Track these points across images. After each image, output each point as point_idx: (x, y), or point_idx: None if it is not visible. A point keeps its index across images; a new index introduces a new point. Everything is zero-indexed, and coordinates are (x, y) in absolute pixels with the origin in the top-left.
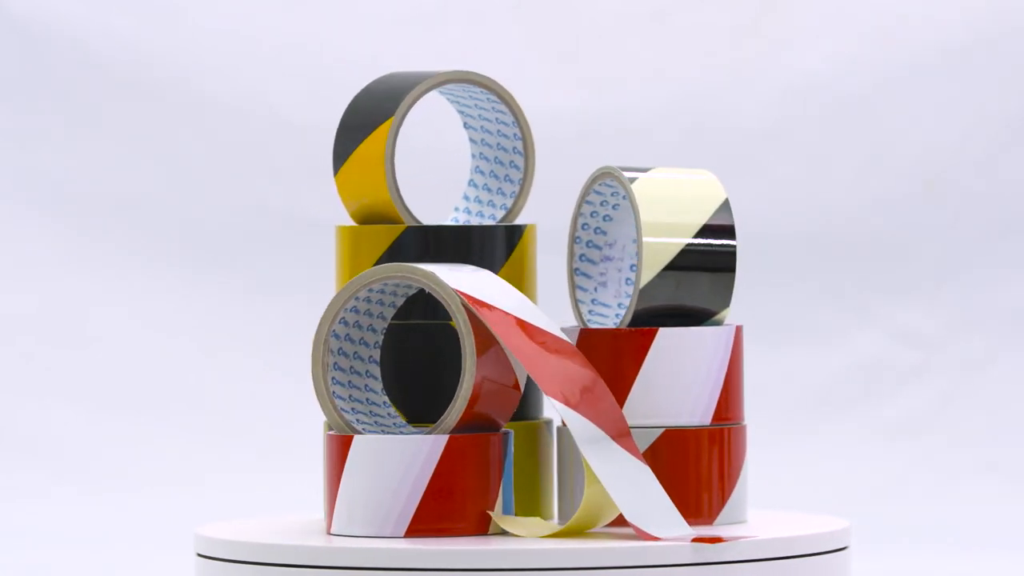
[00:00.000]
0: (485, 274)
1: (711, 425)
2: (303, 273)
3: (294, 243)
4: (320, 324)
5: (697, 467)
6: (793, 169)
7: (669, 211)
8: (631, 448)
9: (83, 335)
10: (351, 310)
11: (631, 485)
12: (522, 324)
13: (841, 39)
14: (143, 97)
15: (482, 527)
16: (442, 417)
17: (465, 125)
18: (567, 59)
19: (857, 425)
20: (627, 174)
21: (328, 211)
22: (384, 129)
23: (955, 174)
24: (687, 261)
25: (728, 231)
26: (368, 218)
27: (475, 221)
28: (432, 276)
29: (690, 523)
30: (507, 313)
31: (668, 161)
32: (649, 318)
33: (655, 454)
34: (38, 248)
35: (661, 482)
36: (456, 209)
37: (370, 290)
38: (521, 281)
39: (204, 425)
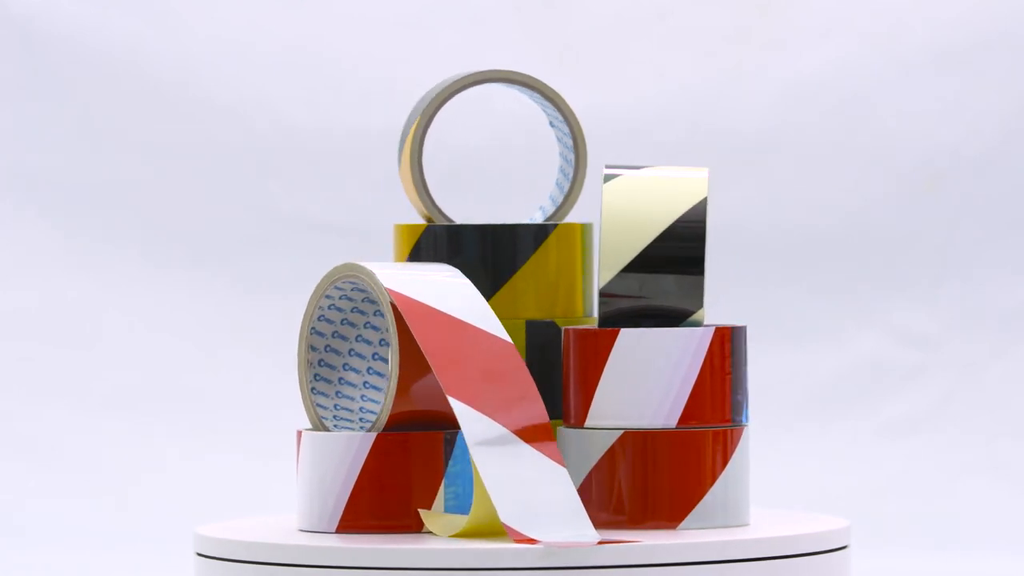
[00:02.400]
0: (444, 273)
1: (676, 428)
2: (304, 273)
3: (296, 243)
4: (302, 324)
5: (657, 470)
6: (793, 169)
7: (637, 211)
8: (547, 450)
9: (83, 335)
10: (331, 308)
11: (524, 487)
12: (450, 323)
13: (841, 39)
14: (143, 97)
15: (420, 524)
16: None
17: (550, 124)
18: (567, 60)
19: (857, 425)
20: (611, 171)
21: (329, 211)
22: (412, 130)
23: (955, 174)
24: (650, 262)
25: (697, 231)
26: (423, 216)
27: (543, 219)
28: (370, 274)
29: (650, 526)
30: (433, 310)
31: (667, 161)
32: (622, 319)
33: (615, 456)
34: (38, 248)
35: (621, 484)
36: (539, 208)
37: (337, 287)
38: (550, 280)
39: (204, 425)
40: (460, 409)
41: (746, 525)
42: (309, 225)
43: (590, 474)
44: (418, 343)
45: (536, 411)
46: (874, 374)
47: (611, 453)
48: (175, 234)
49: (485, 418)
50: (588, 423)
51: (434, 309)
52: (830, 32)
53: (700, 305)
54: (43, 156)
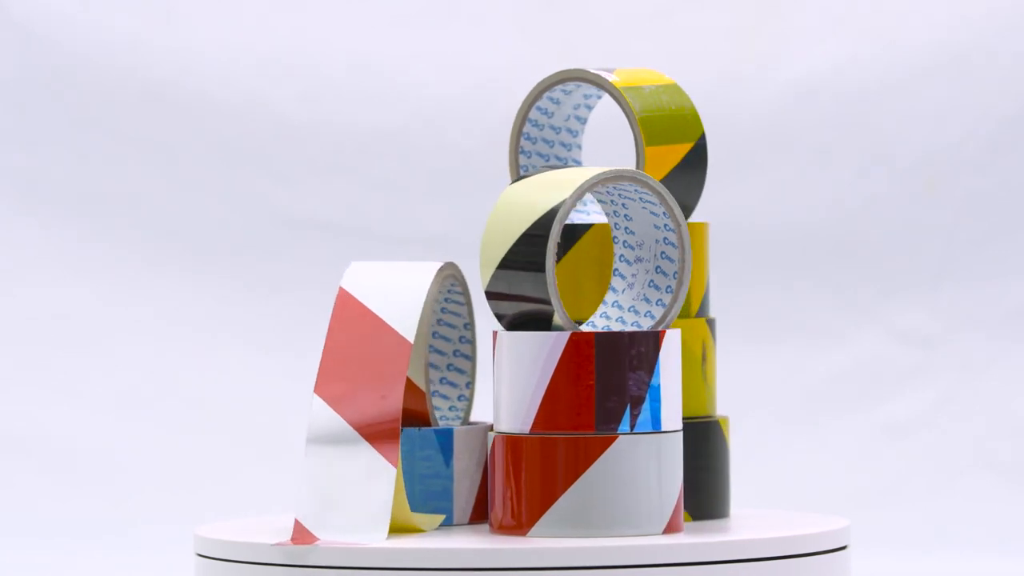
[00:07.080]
0: (413, 268)
1: (530, 434)
2: (304, 273)
3: (296, 243)
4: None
5: (507, 475)
6: (794, 168)
7: (511, 212)
8: (386, 451)
9: (83, 336)
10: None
11: (341, 485)
12: (367, 320)
13: (841, 39)
14: (142, 96)
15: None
16: None
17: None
18: (566, 59)
19: (857, 425)
20: (532, 172)
21: (329, 211)
22: (511, 132)
23: (955, 174)
24: (511, 262)
25: (543, 230)
26: None
27: None
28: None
29: (501, 531)
30: (361, 306)
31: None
32: (520, 321)
33: (489, 460)
34: (38, 248)
35: (498, 488)
36: None
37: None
38: (579, 278)
39: (205, 425)
40: (315, 405)
41: (649, 534)
42: (309, 225)
43: (483, 477)
44: (326, 339)
45: (390, 411)
46: (874, 374)
47: (490, 456)
48: (175, 234)
49: (335, 415)
50: (495, 427)
51: (362, 305)
52: (830, 32)
53: (551, 308)
54: (43, 156)
